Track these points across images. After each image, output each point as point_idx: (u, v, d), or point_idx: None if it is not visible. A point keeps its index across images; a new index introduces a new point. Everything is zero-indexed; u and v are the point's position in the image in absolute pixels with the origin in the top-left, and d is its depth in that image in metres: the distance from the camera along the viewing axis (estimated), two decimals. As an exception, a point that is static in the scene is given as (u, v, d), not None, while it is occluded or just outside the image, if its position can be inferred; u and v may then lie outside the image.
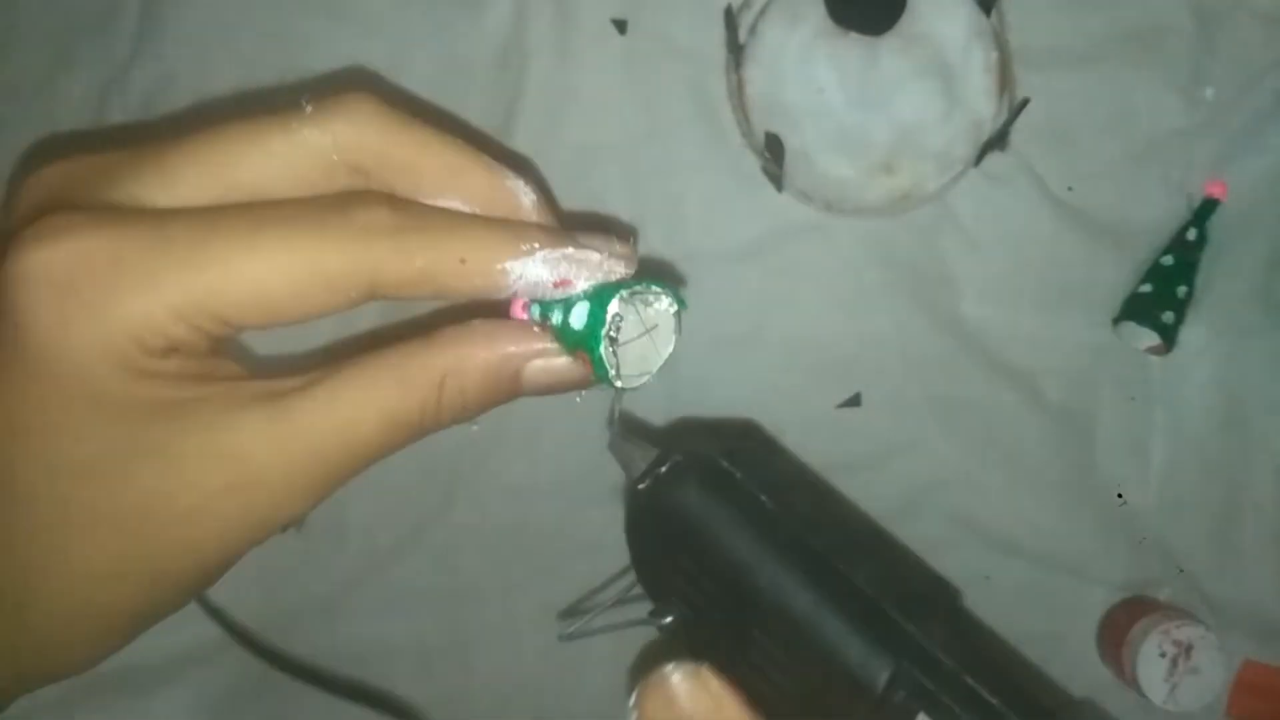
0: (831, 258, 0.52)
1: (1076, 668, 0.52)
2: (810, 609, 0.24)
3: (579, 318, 0.25)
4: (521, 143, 0.52)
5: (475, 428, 0.52)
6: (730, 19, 0.50)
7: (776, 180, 0.51)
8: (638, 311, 0.25)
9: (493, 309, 0.26)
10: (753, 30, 0.51)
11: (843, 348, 0.52)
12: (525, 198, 0.26)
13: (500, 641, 0.53)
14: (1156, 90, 0.51)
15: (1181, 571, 0.51)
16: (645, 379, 0.26)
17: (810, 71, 0.51)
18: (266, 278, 0.22)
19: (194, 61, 0.53)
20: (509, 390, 0.26)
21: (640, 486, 0.27)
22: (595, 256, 0.25)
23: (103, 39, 0.54)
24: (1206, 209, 0.50)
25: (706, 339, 0.52)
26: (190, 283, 0.22)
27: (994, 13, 0.51)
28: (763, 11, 0.51)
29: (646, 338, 0.25)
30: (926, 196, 0.51)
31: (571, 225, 0.26)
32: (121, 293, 0.21)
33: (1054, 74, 0.51)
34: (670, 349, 0.26)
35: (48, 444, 0.22)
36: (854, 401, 0.52)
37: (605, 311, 0.24)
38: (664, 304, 0.25)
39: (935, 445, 0.52)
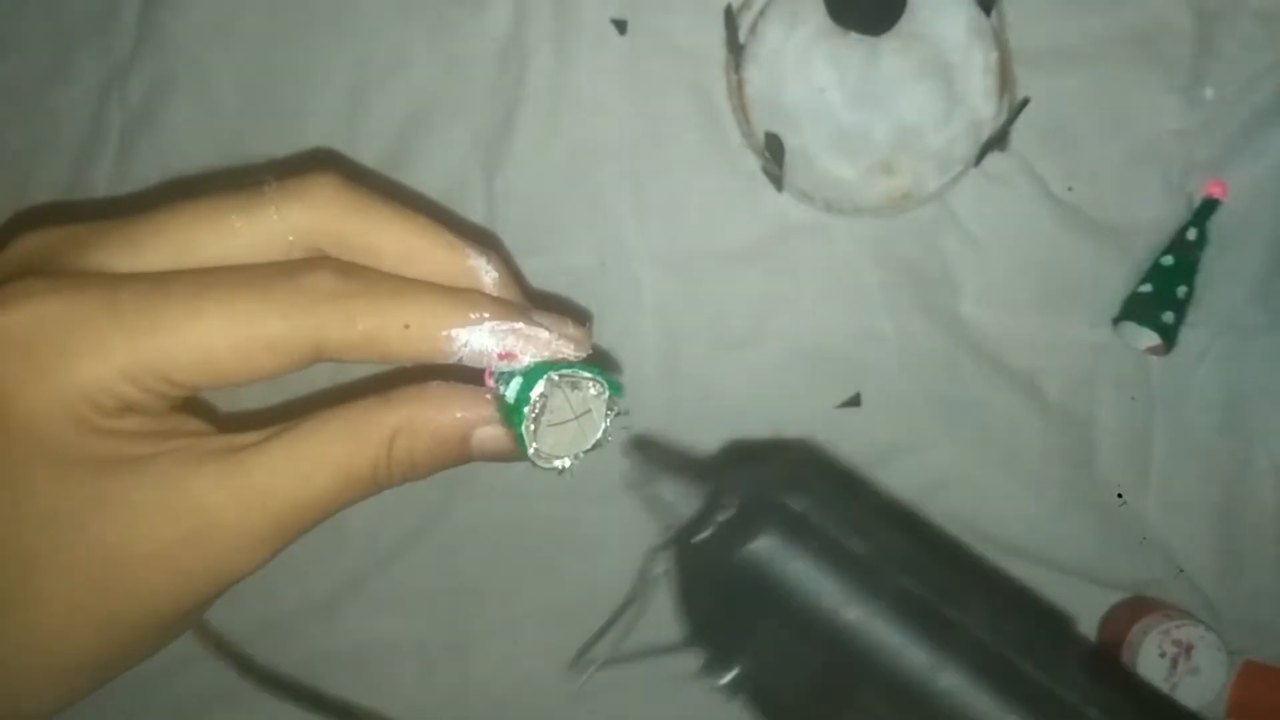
0: (831, 258, 0.52)
1: (1076, 668, 0.52)
2: (928, 666, 0.21)
3: (512, 392, 0.25)
4: (521, 143, 0.52)
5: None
6: (730, 19, 0.50)
7: (776, 180, 0.51)
8: (566, 395, 0.25)
9: (462, 373, 0.26)
10: (753, 30, 0.51)
11: (843, 348, 0.52)
12: (486, 276, 0.26)
13: (500, 641, 0.53)
14: (1156, 90, 0.51)
15: (1181, 571, 0.51)
16: (566, 463, 0.26)
17: (810, 71, 0.51)
18: (211, 341, 0.23)
19: (194, 62, 0.53)
20: (458, 453, 0.26)
21: (696, 540, 0.24)
22: (545, 335, 0.25)
23: (103, 39, 0.54)
24: (1206, 209, 0.50)
25: (706, 339, 0.52)
26: (138, 346, 0.23)
27: (994, 13, 0.51)
28: (763, 11, 0.51)
29: (575, 422, 0.26)
30: (926, 196, 0.51)
31: (534, 303, 0.26)
32: (73, 356, 0.22)
33: (1054, 74, 0.51)
34: (598, 436, 0.26)
35: (11, 497, 0.23)
36: (854, 401, 0.52)
37: (531, 390, 0.25)
38: (594, 390, 0.26)
39: (935, 445, 0.52)
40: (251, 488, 0.24)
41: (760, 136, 0.51)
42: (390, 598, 0.53)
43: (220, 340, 0.23)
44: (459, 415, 0.26)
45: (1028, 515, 0.52)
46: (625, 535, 0.52)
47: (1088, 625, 0.52)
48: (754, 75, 0.51)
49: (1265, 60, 0.51)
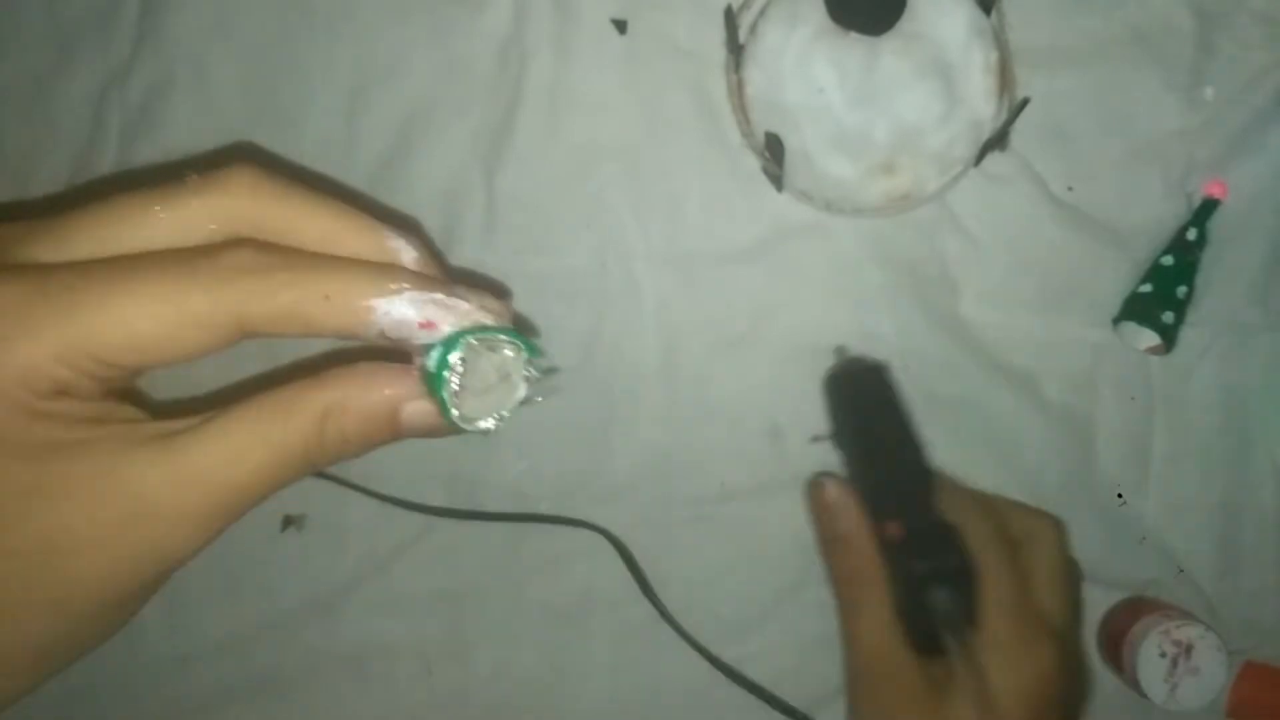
0: (831, 258, 0.52)
1: (1076, 668, 0.52)
2: (917, 438, 0.47)
3: (432, 360, 0.26)
4: (521, 143, 0.52)
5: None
6: (730, 19, 0.50)
7: (776, 180, 0.51)
8: (486, 359, 0.26)
9: (391, 357, 0.27)
10: (753, 30, 0.51)
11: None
12: (405, 254, 0.27)
13: (500, 641, 0.53)
14: (1156, 90, 0.51)
15: (1181, 571, 0.51)
16: (491, 424, 0.26)
17: (810, 71, 0.51)
18: (137, 319, 0.24)
19: (194, 61, 0.53)
20: (388, 430, 0.27)
21: (847, 359, 0.51)
22: (464, 305, 0.26)
23: (103, 39, 0.54)
24: (1206, 209, 0.50)
25: (706, 339, 0.52)
26: (66, 327, 0.23)
27: (994, 13, 0.51)
28: (763, 12, 0.51)
29: (497, 383, 0.26)
30: (926, 196, 0.51)
31: (455, 281, 0.27)
32: (5, 340, 0.23)
33: (1054, 74, 0.51)
34: (520, 395, 0.27)
35: None
36: (854, 401, 0.52)
37: (450, 354, 0.25)
38: (511, 352, 0.26)
39: (935, 445, 0.52)
40: (186, 468, 0.24)
41: (760, 136, 0.51)
42: (390, 598, 0.53)
43: (146, 318, 0.24)
44: (387, 392, 0.26)
45: (1028, 515, 0.52)
46: (624, 535, 0.53)
47: (1088, 625, 0.52)
48: (754, 75, 0.51)
49: (1265, 60, 0.51)
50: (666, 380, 0.52)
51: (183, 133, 0.53)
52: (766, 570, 0.52)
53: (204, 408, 0.25)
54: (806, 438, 0.52)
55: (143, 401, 0.26)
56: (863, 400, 0.49)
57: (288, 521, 0.53)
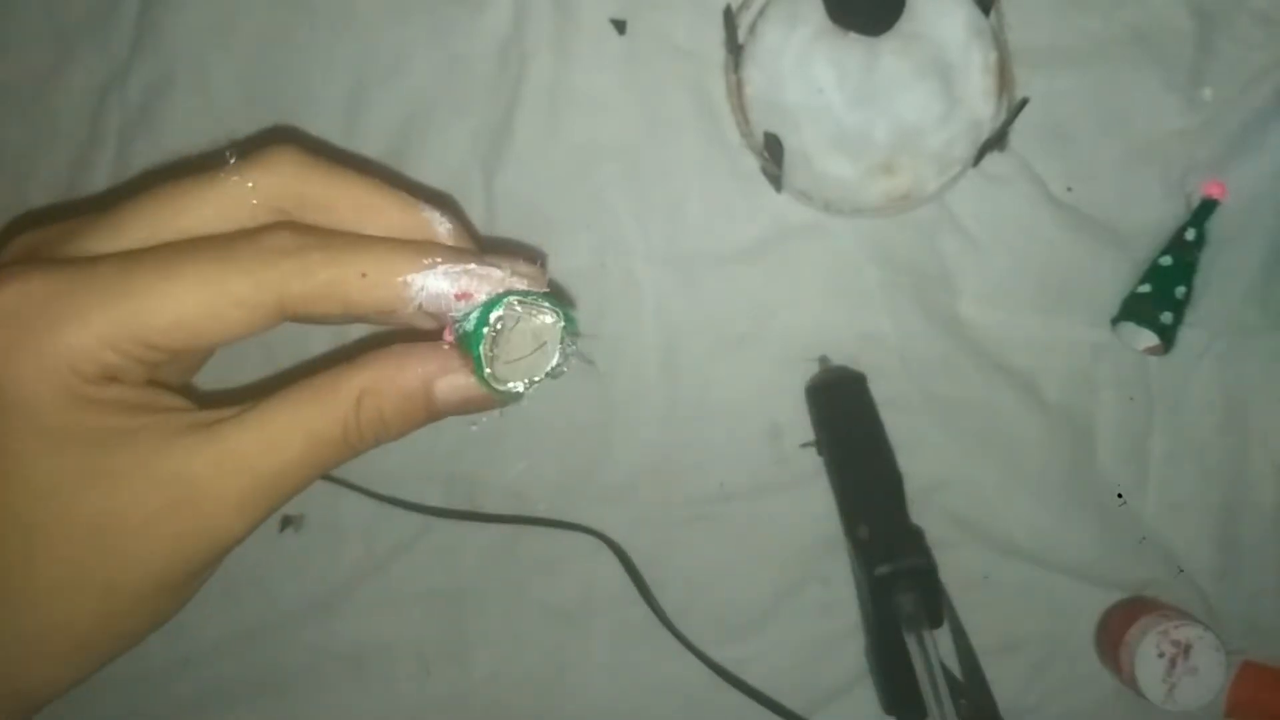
0: (831, 258, 0.52)
1: (1076, 668, 0.52)
2: (888, 452, 0.50)
3: (471, 321, 0.26)
4: (521, 143, 0.52)
5: (474, 428, 0.52)
6: (730, 19, 0.50)
7: (776, 180, 0.51)
8: (525, 322, 0.26)
9: (429, 338, 0.28)
10: (752, 30, 0.51)
11: (843, 347, 0.52)
12: (440, 226, 0.28)
13: (500, 641, 0.53)
14: (1156, 90, 0.51)
15: (1181, 571, 0.51)
16: (520, 387, 0.27)
17: (810, 71, 0.50)
18: (182, 302, 0.24)
19: (193, 62, 0.53)
20: (425, 408, 0.27)
21: (827, 370, 0.52)
22: (498, 273, 0.26)
23: (102, 39, 0.54)
24: (1206, 209, 0.50)
25: (706, 339, 0.52)
26: (115, 312, 0.24)
27: (994, 13, 0.51)
28: (762, 11, 0.51)
29: (533, 349, 0.27)
30: (926, 196, 0.51)
31: (489, 250, 0.28)
32: (57, 326, 0.24)
33: (1054, 74, 0.51)
34: (553, 363, 0.27)
35: (6, 469, 0.25)
36: (854, 401, 0.53)
37: (490, 313, 0.26)
38: (550, 319, 0.27)
39: (935, 445, 0.52)
40: (229, 455, 0.25)
41: (760, 136, 0.51)
42: (389, 598, 0.53)
43: (190, 301, 0.24)
44: (420, 369, 0.27)
45: (1028, 515, 0.52)
46: (624, 535, 0.53)
47: (1087, 625, 0.52)
48: (753, 75, 0.51)
49: (1265, 60, 0.51)
50: (666, 380, 0.53)
51: (183, 133, 0.53)
52: (766, 570, 0.52)
53: (246, 398, 0.26)
54: (802, 440, 0.52)
55: (188, 393, 0.27)
56: (839, 410, 0.51)
57: (286, 522, 0.53)
